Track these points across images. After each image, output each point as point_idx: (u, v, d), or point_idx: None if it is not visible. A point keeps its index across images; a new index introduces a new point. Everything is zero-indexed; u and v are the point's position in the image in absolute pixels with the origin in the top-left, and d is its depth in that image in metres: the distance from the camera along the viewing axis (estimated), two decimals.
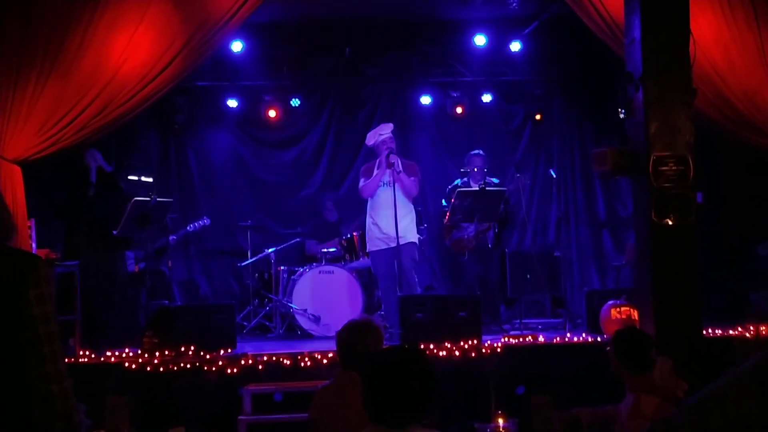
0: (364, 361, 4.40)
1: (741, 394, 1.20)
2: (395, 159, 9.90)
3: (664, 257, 7.46)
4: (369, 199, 10.13)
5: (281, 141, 12.96)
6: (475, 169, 10.87)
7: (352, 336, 4.99)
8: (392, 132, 10.18)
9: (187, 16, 8.54)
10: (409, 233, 9.98)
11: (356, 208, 11.45)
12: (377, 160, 10.13)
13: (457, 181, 10.99)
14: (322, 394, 5.00)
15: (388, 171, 9.91)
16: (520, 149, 13.00)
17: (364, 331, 4.99)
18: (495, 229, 10.76)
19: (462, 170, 11.04)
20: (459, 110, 12.64)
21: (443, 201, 11.02)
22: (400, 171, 9.89)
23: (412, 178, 10.02)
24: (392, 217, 9.63)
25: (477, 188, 10.13)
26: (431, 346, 8.40)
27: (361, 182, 10.14)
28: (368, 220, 10.15)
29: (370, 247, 10.16)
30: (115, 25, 8.31)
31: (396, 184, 9.84)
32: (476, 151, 11.09)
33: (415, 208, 10.31)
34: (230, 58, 11.91)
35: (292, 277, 10.75)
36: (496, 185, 10.51)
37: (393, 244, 9.70)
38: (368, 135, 10.40)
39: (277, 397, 7.98)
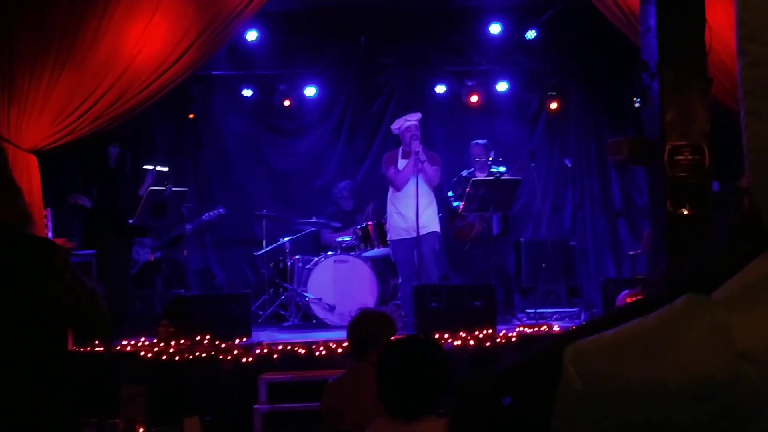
0: (376, 351, 4.41)
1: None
2: (419, 148, 9.86)
3: (679, 247, 7.44)
4: (391, 189, 10.11)
5: (296, 130, 12.96)
6: (478, 158, 10.83)
7: (363, 325, 5.00)
8: (418, 121, 10.14)
9: (202, 6, 8.54)
10: (432, 223, 9.97)
11: (371, 197, 11.45)
12: (400, 148, 10.12)
13: (464, 172, 10.97)
14: (334, 385, 5.01)
15: (410, 160, 9.88)
16: (535, 138, 12.95)
17: (376, 320, 5.00)
18: (498, 216, 10.67)
19: (476, 159, 11.00)
20: (474, 99, 12.61)
21: (449, 192, 10.96)
22: (425, 160, 9.85)
23: (435, 168, 10.00)
24: (414, 206, 9.61)
25: (491, 177, 10.11)
26: (446, 336, 8.41)
27: (392, 170, 10.07)
28: (391, 209, 10.11)
29: (391, 236, 10.14)
30: (131, 14, 8.32)
31: (419, 174, 9.82)
32: (477, 141, 11.04)
33: (435, 196, 10.29)
34: (245, 47, 11.91)
35: (308, 266, 10.75)
36: (501, 174, 10.46)
37: (414, 233, 9.68)
38: (395, 121, 10.37)
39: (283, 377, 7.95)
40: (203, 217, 11.20)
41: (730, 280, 1.08)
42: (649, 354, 1.06)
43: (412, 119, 10.09)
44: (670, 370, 1.03)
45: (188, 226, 11.10)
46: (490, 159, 10.76)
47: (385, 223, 10.36)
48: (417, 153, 9.79)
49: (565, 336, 1.21)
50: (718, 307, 1.04)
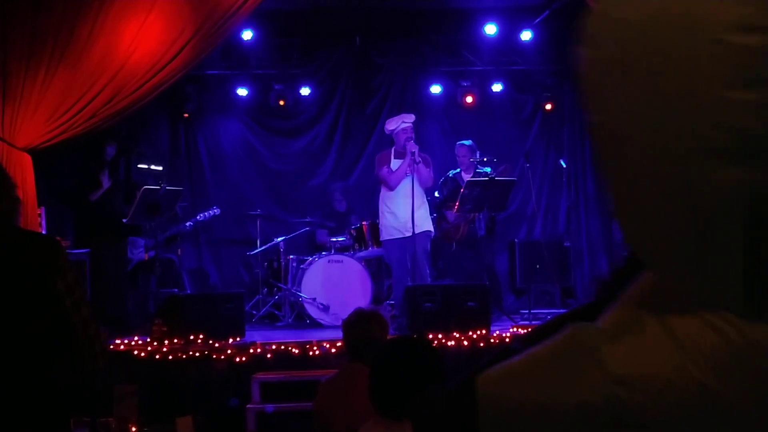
0: (370, 350, 4.41)
1: None
2: (415, 148, 9.84)
3: None
4: (383, 189, 10.10)
5: (291, 130, 12.96)
6: (462, 160, 10.81)
7: (358, 325, 4.99)
8: (413, 123, 10.13)
9: (197, 5, 8.53)
10: (425, 223, 9.95)
11: (366, 198, 11.45)
12: (392, 149, 10.10)
13: (450, 172, 10.96)
14: (327, 385, 5.00)
15: (404, 161, 9.87)
16: (530, 139, 12.96)
17: (370, 319, 4.99)
18: (484, 218, 10.65)
19: (471, 160, 10.97)
20: (469, 99, 12.62)
21: (436, 192, 10.94)
22: (419, 161, 9.83)
23: (429, 169, 9.99)
24: (409, 207, 9.60)
25: (485, 178, 10.10)
26: (440, 336, 8.40)
27: (384, 170, 10.05)
28: (383, 209, 10.08)
29: (384, 236, 10.12)
30: (126, 13, 8.31)
31: (414, 175, 9.80)
32: (461, 141, 11.02)
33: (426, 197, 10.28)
34: (240, 46, 11.91)
35: (302, 266, 10.74)
36: (486, 175, 10.42)
37: (408, 234, 9.67)
38: (388, 121, 10.35)
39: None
40: (198, 217, 11.18)
41: (608, 308, 1.16)
42: (540, 380, 1.14)
43: (408, 121, 10.08)
44: (556, 394, 1.11)
45: (189, 224, 11.03)
46: (473, 160, 10.70)
47: (378, 223, 10.35)
48: (413, 153, 9.77)
49: (480, 365, 1.27)
50: (595, 336, 1.11)
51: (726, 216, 1.04)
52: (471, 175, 10.52)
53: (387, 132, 10.30)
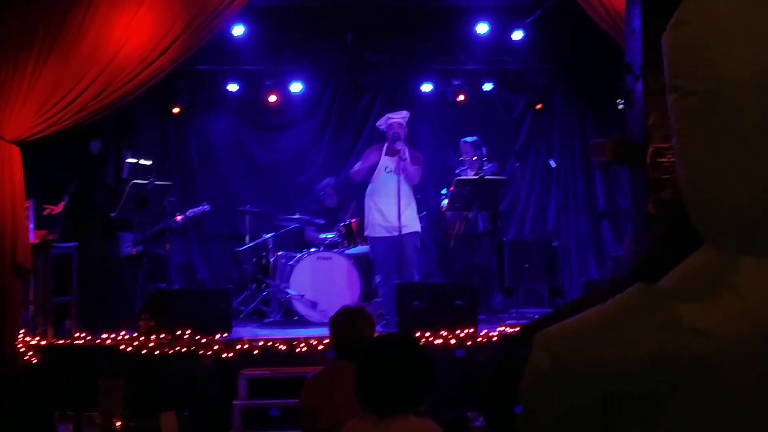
0: (358, 347, 4.41)
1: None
2: (401, 146, 9.84)
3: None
4: (371, 184, 10.10)
5: (281, 126, 12.93)
6: (466, 157, 10.80)
7: (346, 323, 4.99)
8: (405, 120, 10.12)
9: None
10: (413, 222, 9.96)
11: (355, 194, 11.45)
12: (384, 144, 10.10)
13: (457, 170, 10.95)
14: (312, 381, 5.00)
15: (394, 158, 9.87)
16: (520, 138, 12.96)
17: (357, 317, 4.99)
18: (486, 215, 10.65)
19: (460, 158, 10.98)
20: (460, 98, 12.61)
21: (443, 190, 10.95)
22: (406, 158, 9.82)
23: (416, 167, 9.98)
24: (396, 205, 9.60)
25: (475, 177, 10.10)
26: (427, 334, 8.40)
27: (357, 165, 10.11)
28: (369, 205, 10.08)
29: (370, 233, 10.12)
30: (116, 6, 8.28)
31: (401, 173, 9.79)
32: (466, 138, 11.01)
33: (414, 195, 10.28)
34: (231, 42, 11.87)
35: (290, 262, 10.73)
36: (492, 172, 10.45)
37: (396, 233, 9.66)
38: (382, 117, 10.36)
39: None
40: (188, 213, 11.15)
41: (673, 271, 1.29)
42: (607, 334, 1.27)
43: (397, 117, 10.08)
44: (626, 346, 1.24)
45: (180, 218, 10.98)
46: (476, 158, 10.70)
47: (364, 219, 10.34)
48: (399, 151, 9.77)
49: (534, 324, 1.43)
50: (667, 293, 1.25)
51: None
52: (475, 171, 10.48)
53: (379, 128, 10.33)
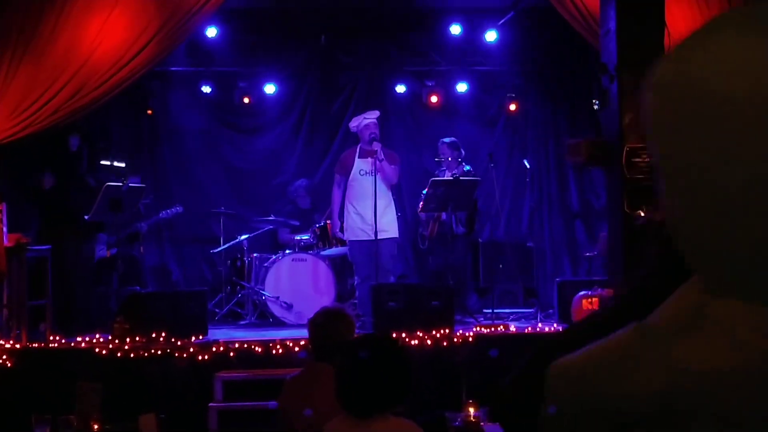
0: (337, 349, 4.41)
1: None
2: (378, 146, 9.83)
3: (635, 248, 7.50)
4: (348, 189, 10.08)
5: (255, 127, 12.90)
6: (445, 158, 10.80)
7: (326, 324, 4.99)
8: (377, 120, 10.13)
9: (161, 1, 8.52)
10: (392, 228, 9.96)
11: (329, 196, 11.44)
12: (358, 147, 10.09)
13: (437, 171, 10.97)
14: (291, 383, 5.00)
15: (368, 160, 9.87)
16: (494, 139, 12.99)
17: (337, 318, 5.00)
18: (462, 216, 10.67)
19: (436, 159, 10.99)
20: (434, 99, 12.61)
21: (424, 191, 10.95)
22: (383, 159, 9.82)
23: (393, 167, 9.98)
24: (373, 207, 9.59)
25: (450, 177, 10.13)
26: (404, 335, 8.42)
27: (334, 188, 10.17)
28: (349, 208, 10.06)
29: (348, 236, 10.08)
30: (90, 8, 8.27)
31: (377, 173, 9.79)
32: (444, 139, 11.00)
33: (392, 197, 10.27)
34: (205, 43, 11.84)
35: (265, 264, 10.71)
36: (469, 173, 10.49)
37: (374, 236, 9.65)
38: (353, 119, 10.36)
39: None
40: (161, 214, 11.11)
41: (662, 306, 1.31)
42: (612, 377, 1.29)
43: (371, 117, 10.09)
44: (630, 385, 1.26)
45: (144, 224, 10.96)
46: (452, 159, 10.70)
47: (342, 221, 10.31)
48: (375, 152, 9.77)
49: (548, 349, 1.48)
50: (658, 331, 1.27)
51: None
52: (453, 172, 10.49)
53: (352, 130, 10.31)
